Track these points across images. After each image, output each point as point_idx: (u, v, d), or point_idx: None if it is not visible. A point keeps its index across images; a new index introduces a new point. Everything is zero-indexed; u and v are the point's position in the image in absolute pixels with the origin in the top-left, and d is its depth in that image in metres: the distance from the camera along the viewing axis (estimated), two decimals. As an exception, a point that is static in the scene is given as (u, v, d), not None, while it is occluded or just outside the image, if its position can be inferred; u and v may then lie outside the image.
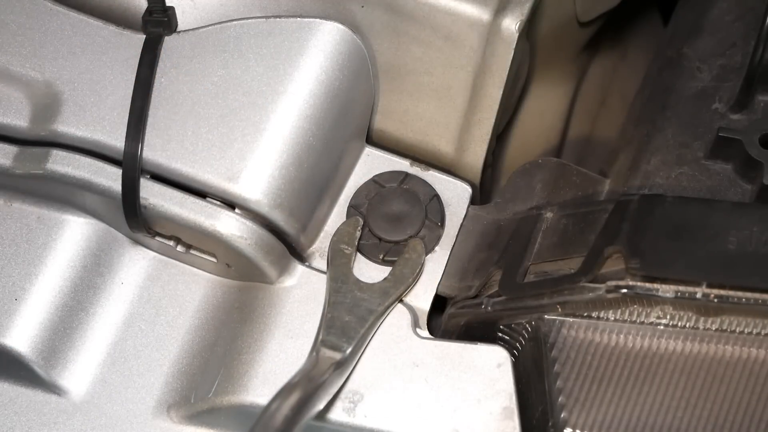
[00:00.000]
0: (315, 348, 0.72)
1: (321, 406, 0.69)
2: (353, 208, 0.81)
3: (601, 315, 0.71)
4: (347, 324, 0.73)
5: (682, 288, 0.68)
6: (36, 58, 0.77)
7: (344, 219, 0.80)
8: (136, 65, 0.76)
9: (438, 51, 0.80)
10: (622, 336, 0.70)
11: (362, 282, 0.76)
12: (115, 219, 0.77)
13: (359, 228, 0.79)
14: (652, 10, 1.14)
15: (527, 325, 0.73)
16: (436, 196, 0.81)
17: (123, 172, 0.74)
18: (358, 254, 0.79)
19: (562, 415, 0.69)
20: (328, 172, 0.79)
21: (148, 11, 0.77)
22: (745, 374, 0.68)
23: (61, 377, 0.78)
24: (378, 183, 0.82)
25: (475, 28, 0.78)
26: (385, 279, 0.77)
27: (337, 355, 0.71)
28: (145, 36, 0.77)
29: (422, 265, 0.78)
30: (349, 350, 0.72)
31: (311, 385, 0.68)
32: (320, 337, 0.73)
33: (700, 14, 0.85)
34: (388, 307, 0.76)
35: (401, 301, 0.77)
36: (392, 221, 0.79)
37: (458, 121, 0.83)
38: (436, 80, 0.82)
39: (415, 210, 0.80)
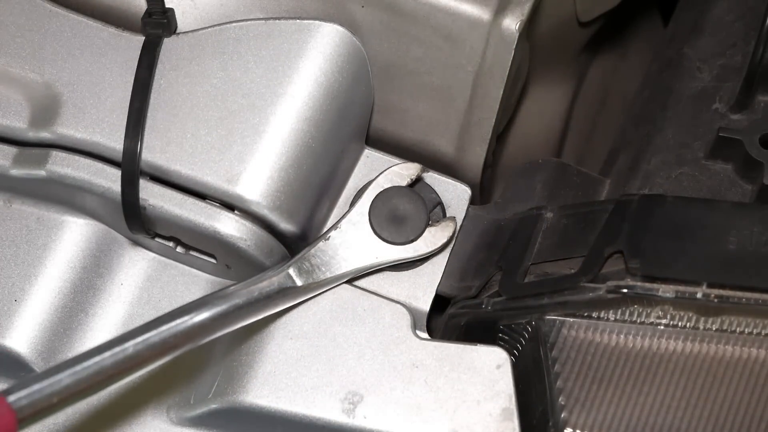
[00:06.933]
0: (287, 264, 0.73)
1: (244, 322, 0.71)
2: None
3: (602, 315, 0.71)
4: (318, 266, 0.74)
5: (682, 288, 0.68)
6: (35, 59, 0.77)
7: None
8: (135, 67, 0.76)
9: (438, 51, 0.80)
10: (622, 336, 0.70)
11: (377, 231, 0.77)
12: (114, 220, 0.77)
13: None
14: (652, 10, 1.14)
15: (527, 326, 0.73)
16: (440, 204, 0.80)
17: (122, 173, 0.74)
18: None
19: (562, 416, 0.69)
20: (328, 174, 0.79)
21: (148, 13, 0.77)
22: (745, 374, 0.68)
23: (61, 378, 0.78)
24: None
25: (475, 28, 0.78)
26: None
27: (289, 282, 0.73)
28: (144, 38, 0.77)
29: (422, 261, 0.78)
30: (301, 283, 0.73)
31: (247, 296, 0.70)
32: (298, 257, 0.74)
33: (700, 14, 0.85)
34: (364, 270, 0.76)
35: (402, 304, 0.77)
36: (394, 221, 0.77)
37: (458, 121, 0.83)
38: (436, 80, 0.82)
39: (419, 213, 0.78)
